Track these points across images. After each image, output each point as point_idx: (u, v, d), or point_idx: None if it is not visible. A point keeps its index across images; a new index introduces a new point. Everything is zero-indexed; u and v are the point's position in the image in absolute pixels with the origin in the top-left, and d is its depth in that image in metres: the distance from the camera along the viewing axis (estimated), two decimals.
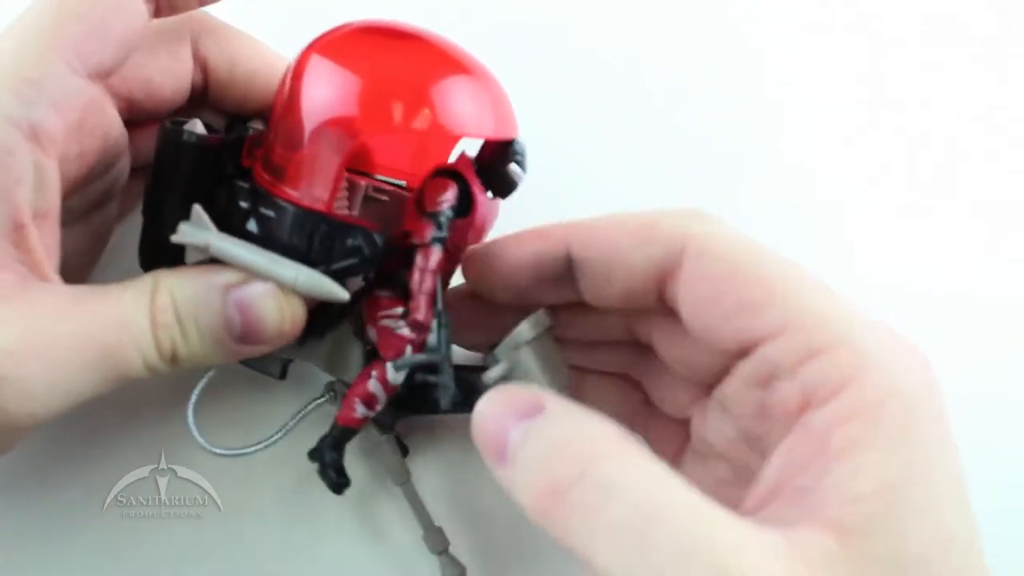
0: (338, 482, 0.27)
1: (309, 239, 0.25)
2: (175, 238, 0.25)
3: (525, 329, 0.25)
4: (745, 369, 0.21)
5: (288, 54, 0.29)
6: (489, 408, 0.21)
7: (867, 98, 0.37)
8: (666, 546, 0.17)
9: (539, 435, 0.20)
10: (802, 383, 0.20)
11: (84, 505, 0.30)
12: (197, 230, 0.25)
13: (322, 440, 0.27)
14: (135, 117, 0.27)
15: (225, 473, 0.30)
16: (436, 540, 0.29)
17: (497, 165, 0.27)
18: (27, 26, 0.23)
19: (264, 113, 0.29)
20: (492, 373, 0.25)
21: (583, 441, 0.19)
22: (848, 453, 0.19)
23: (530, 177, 0.27)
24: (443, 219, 0.26)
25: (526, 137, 0.27)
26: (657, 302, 0.24)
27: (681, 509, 0.18)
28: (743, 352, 0.21)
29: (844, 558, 0.18)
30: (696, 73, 0.36)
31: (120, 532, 0.30)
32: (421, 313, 0.25)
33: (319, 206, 0.24)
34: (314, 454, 0.28)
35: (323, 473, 0.27)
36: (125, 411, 0.30)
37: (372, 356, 0.27)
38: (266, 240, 0.25)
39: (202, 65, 0.28)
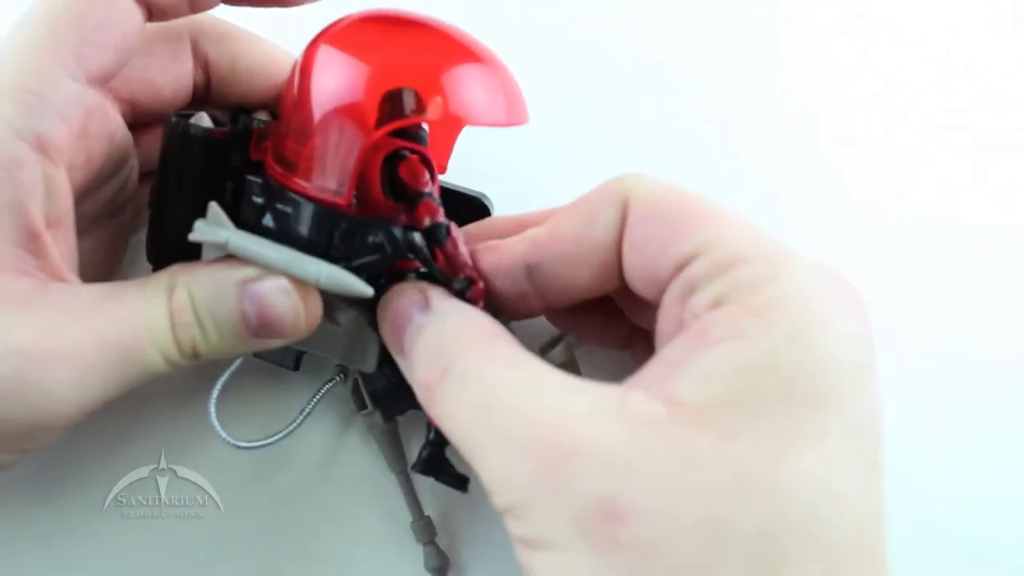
0: (462, 480, 0.27)
1: (329, 236, 0.24)
2: (193, 237, 0.24)
3: (557, 354, 0.26)
4: (672, 292, 0.22)
5: (286, 48, 0.29)
6: (390, 305, 0.24)
7: (884, 91, 0.37)
8: (503, 418, 0.20)
9: (423, 333, 0.23)
10: (714, 291, 0.20)
11: (84, 505, 0.30)
12: (214, 227, 0.24)
13: (425, 452, 0.27)
14: (139, 119, 0.28)
15: (225, 473, 0.30)
16: (424, 530, 0.29)
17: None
18: (23, 36, 0.24)
19: (268, 106, 0.29)
20: None
21: (451, 339, 0.23)
22: (723, 341, 0.19)
23: (537, 163, 0.27)
24: (436, 195, 0.25)
25: (535, 123, 0.27)
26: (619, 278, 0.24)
27: (522, 386, 0.20)
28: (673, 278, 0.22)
29: (667, 425, 0.18)
30: (706, 61, 0.36)
31: (120, 532, 0.30)
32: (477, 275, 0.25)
33: (339, 200, 0.24)
34: (427, 468, 0.27)
35: (445, 481, 0.27)
36: (125, 411, 0.30)
37: None
38: (283, 235, 0.25)
39: (203, 63, 0.29)
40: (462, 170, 0.29)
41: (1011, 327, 0.34)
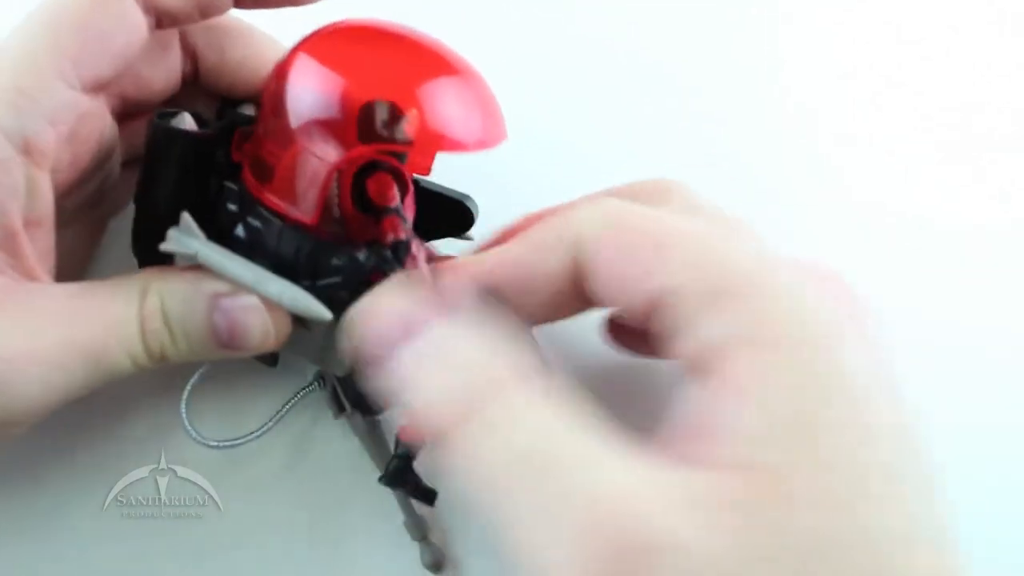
0: (430, 493, 0.28)
1: (295, 254, 0.25)
2: (164, 246, 0.25)
3: None
4: (662, 326, 0.20)
5: (280, 37, 0.28)
6: (374, 313, 0.21)
7: (884, 91, 0.37)
8: (554, 489, 0.16)
9: (431, 356, 0.19)
10: (704, 330, 0.19)
11: (84, 505, 0.30)
12: (186, 237, 0.25)
13: (392, 465, 0.27)
14: (127, 111, 0.28)
15: (225, 473, 0.30)
16: (416, 527, 0.29)
17: (380, 129, 0.25)
18: (24, 38, 0.24)
19: (255, 99, 0.29)
20: None
21: (479, 370, 0.19)
22: (746, 392, 0.18)
23: (533, 163, 0.27)
24: (403, 212, 0.25)
25: (532, 122, 0.27)
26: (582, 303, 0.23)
27: (576, 448, 0.17)
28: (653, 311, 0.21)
29: (754, 502, 0.16)
30: (706, 60, 0.36)
31: (120, 532, 0.30)
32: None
33: (306, 219, 0.24)
34: (394, 481, 0.27)
35: (412, 494, 0.28)
36: (125, 411, 0.30)
37: None
38: (253, 248, 0.25)
39: (191, 54, 0.28)
40: (451, 168, 0.28)
41: (1012, 327, 0.34)
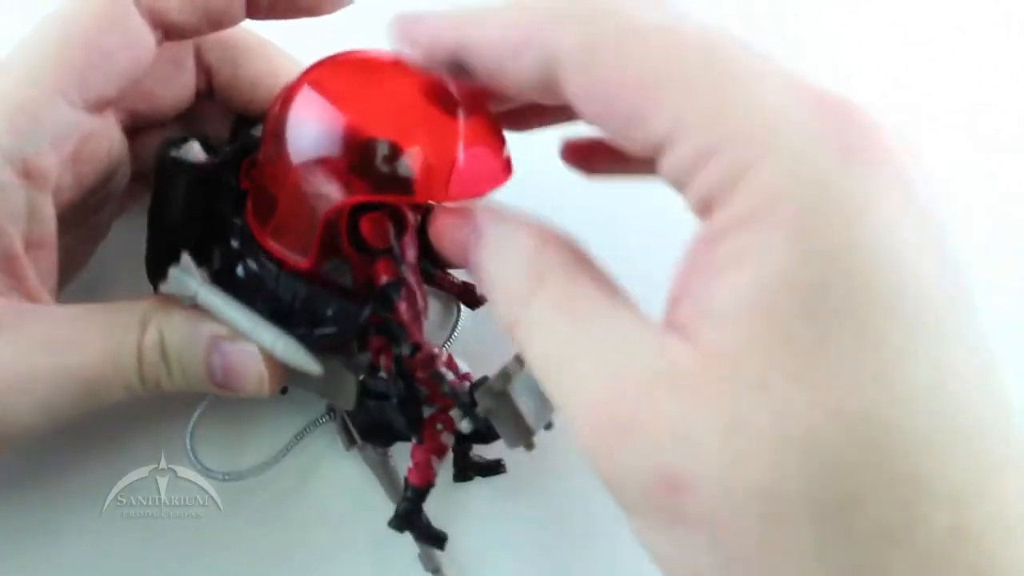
0: (439, 537, 0.28)
1: (292, 299, 0.25)
2: (163, 288, 0.25)
3: (511, 367, 0.25)
4: (660, 173, 0.19)
5: (303, 52, 0.28)
6: (443, 235, 0.23)
7: (890, 92, 0.37)
8: (565, 384, 0.19)
9: (482, 270, 0.21)
10: (699, 190, 0.18)
11: (84, 505, 0.29)
12: (185, 277, 0.25)
13: (402, 507, 0.27)
14: (138, 125, 0.27)
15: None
16: (430, 559, 0.29)
17: (380, 167, 0.24)
18: (29, 57, 0.23)
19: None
20: (480, 408, 0.25)
21: (510, 286, 0.20)
22: (728, 268, 0.17)
23: (535, 164, 0.27)
24: (397, 252, 0.25)
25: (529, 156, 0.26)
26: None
27: (575, 345, 0.19)
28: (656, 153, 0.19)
29: (703, 383, 0.16)
30: None
31: (120, 532, 0.29)
32: (428, 345, 0.26)
33: (302, 264, 0.25)
34: (402, 524, 0.28)
35: (421, 539, 0.28)
36: (125, 411, 0.30)
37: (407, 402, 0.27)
38: (252, 289, 0.26)
39: (206, 70, 0.28)
40: None
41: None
